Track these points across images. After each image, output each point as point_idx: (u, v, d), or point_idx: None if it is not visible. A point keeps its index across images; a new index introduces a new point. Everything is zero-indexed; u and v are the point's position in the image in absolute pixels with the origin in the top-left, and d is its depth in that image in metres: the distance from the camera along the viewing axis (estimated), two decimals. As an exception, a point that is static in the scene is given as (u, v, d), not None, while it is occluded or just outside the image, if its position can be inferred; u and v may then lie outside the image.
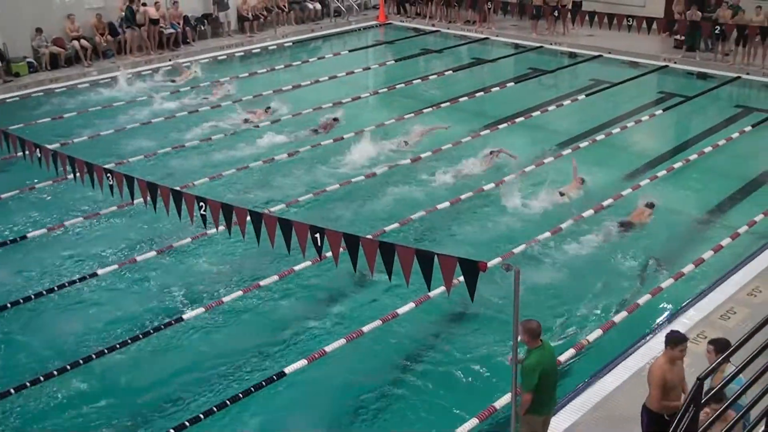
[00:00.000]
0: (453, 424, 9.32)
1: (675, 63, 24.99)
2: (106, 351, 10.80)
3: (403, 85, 23.26)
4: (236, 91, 22.39)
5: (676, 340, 8.04)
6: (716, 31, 23.95)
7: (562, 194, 15.40)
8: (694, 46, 25.24)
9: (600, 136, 18.83)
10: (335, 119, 19.78)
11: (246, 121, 20.02)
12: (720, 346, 7.92)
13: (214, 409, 9.61)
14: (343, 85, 23.21)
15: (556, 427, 8.86)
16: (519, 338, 7.96)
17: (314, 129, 19.28)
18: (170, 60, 25.33)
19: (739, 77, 23.46)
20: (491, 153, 17.24)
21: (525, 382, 7.94)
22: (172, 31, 26.37)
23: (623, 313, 11.57)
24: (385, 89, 22.86)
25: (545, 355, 8.04)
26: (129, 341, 11.04)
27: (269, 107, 20.70)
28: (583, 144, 18.31)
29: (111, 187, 11.27)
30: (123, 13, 25.27)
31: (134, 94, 22.20)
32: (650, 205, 14.59)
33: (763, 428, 7.25)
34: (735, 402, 6.89)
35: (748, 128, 19.24)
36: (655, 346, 10.35)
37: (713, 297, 11.74)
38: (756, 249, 13.26)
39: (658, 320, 11.45)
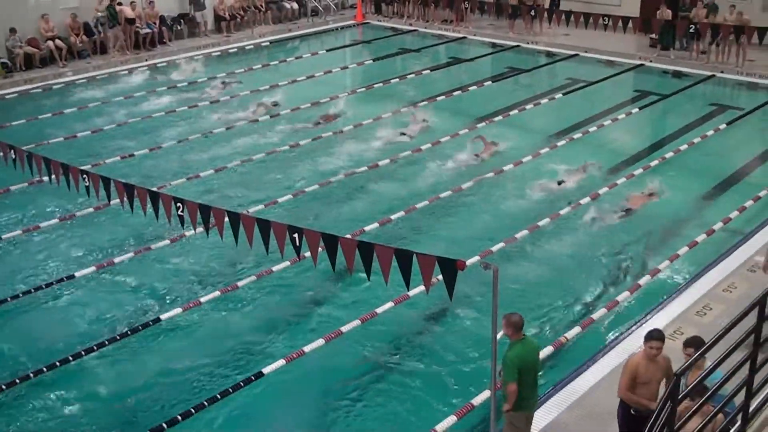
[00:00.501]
0: (432, 421, 9.32)
1: (650, 62, 25.17)
2: (83, 353, 10.71)
3: (381, 84, 23.26)
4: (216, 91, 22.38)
5: (647, 336, 8.09)
6: (691, 30, 24.14)
7: (560, 183, 15.85)
8: (669, 45, 25.44)
9: (577, 135, 18.93)
10: (334, 115, 20.24)
11: (254, 112, 20.47)
12: (696, 343, 7.99)
13: (192, 410, 9.56)
14: (321, 85, 23.17)
15: (536, 424, 8.89)
16: (501, 332, 8.00)
17: (295, 128, 19.30)
18: (146, 60, 25.17)
19: (713, 76, 23.66)
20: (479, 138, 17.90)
21: (506, 374, 7.97)
22: (148, 31, 26.20)
23: (602, 310, 11.63)
24: (363, 89, 22.84)
25: (527, 348, 8.07)
26: (106, 342, 10.95)
27: (276, 102, 21.23)
28: (561, 142, 18.39)
29: (87, 188, 11.19)
30: (99, 14, 25.04)
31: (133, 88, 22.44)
32: (651, 194, 15.27)
33: (739, 422, 7.34)
34: (713, 397, 6.97)
35: (723, 126, 19.41)
36: (632, 343, 10.44)
37: (689, 293, 11.83)
38: (731, 245, 13.38)
39: (635, 317, 11.52)
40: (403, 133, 18.90)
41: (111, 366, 10.70)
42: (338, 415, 9.88)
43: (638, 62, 25.23)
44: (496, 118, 20.18)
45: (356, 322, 11.31)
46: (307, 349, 10.69)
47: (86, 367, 10.64)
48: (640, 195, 15.37)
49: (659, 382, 8.06)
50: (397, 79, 23.75)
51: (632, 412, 8.06)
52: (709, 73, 23.76)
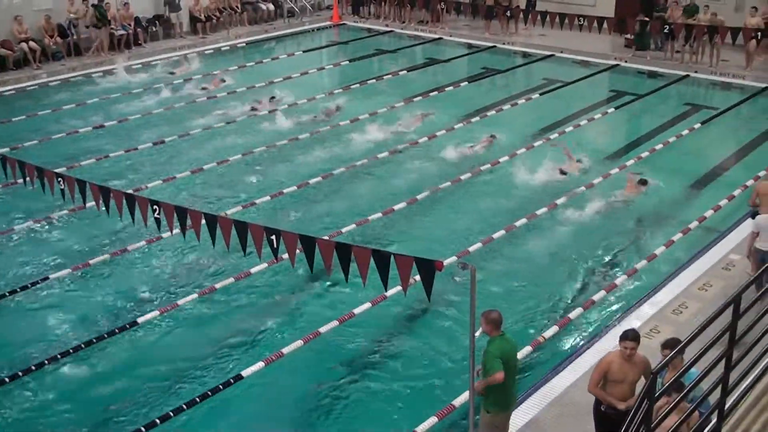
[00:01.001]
0: (413, 422, 9.32)
1: (626, 62, 25.35)
2: (59, 356, 10.63)
3: (357, 85, 23.25)
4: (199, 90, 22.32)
5: (622, 336, 8.11)
6: (665, 30, 24.32)
7: (563, 173, 16.45)
8: (644, 46, 25.63)
9: (553, 135, 19.02)
10: (337, 108, 20.77)
11: (253, 109, 20.78)
12: (672, 345, 8.06)
13: (171, 413, 9.51)
14: (298, 86, 23.11)
15: (514, 423, 8.93)
16: (480, 330, 8.02)
17: (274, 129, 19.28)
18: (122, 62, 25.02)
19: (687, 75, 23.87)
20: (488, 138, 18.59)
21: (490, 367, 7.94)
22: (123, 32, 26.01)
23: (578, 310, 11.70)
24: (340, 89, 22.82)
25: (506, 345, 8.10)
26: (82, 346, 10.86)
27: (273, 96, 21.60)
28: (537, 143, 18.47)
29: (62, 191, 11.11)
30: (72, 15, 24.83)
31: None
32: (643, 182, 15.92)
33: (715, 420, 7.40)
34: (689, 394, 7.03)
35: (697, 125, 19.59)
36: (609, 342, 10.50)
37: (665, 292, 11.92)
38: (706, 244, 13.50)
39: (612, 316, 11.60)
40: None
41: (88, 369, 10.61)
42: (318, 417, 9.86)
43: (614, 62, 25.41)
44: (474, 119, 20.23)
45: (334, 323, 11.29)
46: (285, 350, 10.67)
47: (62, 370, 10.55)
48: (632, 185, 15.90)
49: (634, 382, 8.05)
50: (374, 80, 23.74)
51: (602, 408, 8.11)
52: (684, 73, 23.97)
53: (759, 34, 22.59)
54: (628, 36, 26.06)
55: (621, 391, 8.02)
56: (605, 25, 24.89)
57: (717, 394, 7.34)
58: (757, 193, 12.16)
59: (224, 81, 23.26)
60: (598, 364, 8.23)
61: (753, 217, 11.74)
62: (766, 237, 11.14)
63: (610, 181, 16.27)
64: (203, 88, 22.68)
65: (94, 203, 10.96)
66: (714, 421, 7.41)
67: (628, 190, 15.76)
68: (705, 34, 23.43)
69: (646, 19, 25.22)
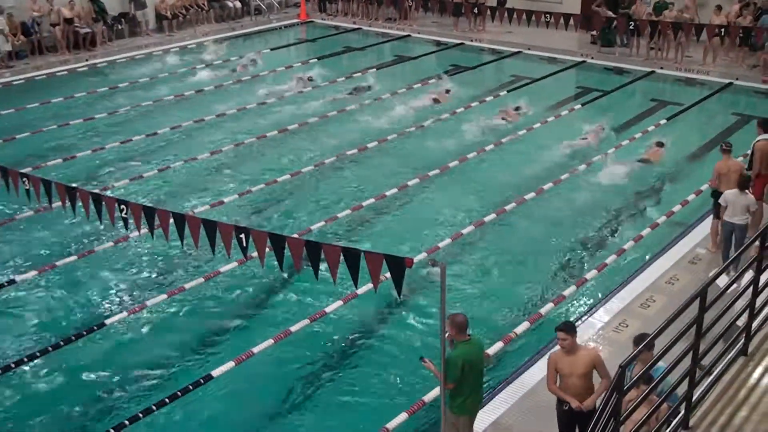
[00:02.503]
0: (383, 419, 9.32)
1: (592, 58, 25.54)
2: (25, 359, 10.50)
3: (327, 83, 23.18)
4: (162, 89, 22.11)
5: (555, 329, 8.23)
6: (631, 27, 24.54)
7: (583, 138, 18.12)
8: (610, 42, 25.86)
9: (521, 131, 19.10)
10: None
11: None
12: (639, 338, 8.15)
13: (140, 415, 9.42)
14: (265, 84, 23.01)
15: (485, 418, 8.98)
16: (446, 332, 8.03)
17: (241, 128, 19.18)
18: (87, 60, 24.75)
19: (653, 72, 24.10)
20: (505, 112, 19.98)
21: (448, 374, 7.98)
22: (88, 30, 25.73)
23: (549, 305, 11.77)
24: (309, 88, 22.73)
25: (471, 350, 8.06)
26: (50, 349, 10.73)
27: (311, 77, 23.02)
28: (506, 139, 18.55)
29: (27, 191, 10.97)
30: (35, 13, 24.50)
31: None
32: (660, 144, 17.59)
33: (683, 411, 7.49)
34: (657, 387, 7.10)
35: (663, 121, 19.77)
36: (578, 337, 10.56)
37: (633, 286, 12.05)
38: (673, 238, 13.66)
39: (581, 311, 11.69)
40: (436, 100, 21.33)
41: (55, 372, 10.50)
42: (289, 415, 9.85)
43: (580, 59, 25.59)
44: (443, 116, 20.26)
45: (305, 322, 11.27)
46: (256, 350, 10.62)
47: (30, 373, 10.42)
48: (652, 149, 17.54)
49: (582, 375, 8.05)
50: (343, 78, 23.69)
51: (564, 407, 8.16)
52: (649, 70, 24.21)
53: (722, 31, 22.90)
54: (594, 33, 26.28)
55: (572, 384, 8.06)
56: (571, 21, 25.08)
57: (685, 386, 7.42)
58: (717, 173, 12.91)
59: (255, 62, 24.77)
60: (547, 362, 8.31)
61: (714, 198, 12.85)
62: (733, 210, 11.92)
63: (574, 176, 16.37)
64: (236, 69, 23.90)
65: (60, 204, 10.81)
66: (682, 413, 7.49)
67: (651, 155, 17.31)
68: (669, 30, 23.71)
69: (613, 15, 25.43)
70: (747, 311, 8.45)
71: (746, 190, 11.94)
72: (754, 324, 8.67)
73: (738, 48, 23.70)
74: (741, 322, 8.50)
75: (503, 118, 19.84)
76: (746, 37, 23.11)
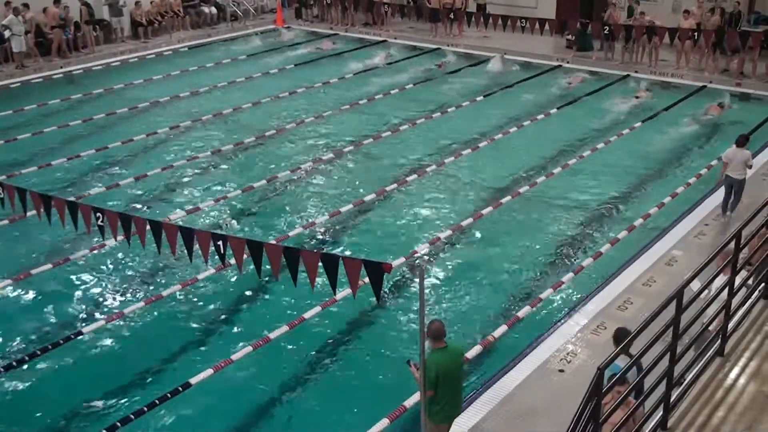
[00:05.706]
0: (365, 424, 9.30)
1: (568, 63, 25.71)
2: (2, 369, 10.38)
3: (303, 89, 23.16)
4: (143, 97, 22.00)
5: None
6: (605, 32, 24.75)
7: (637, 98, 20.74)
8: (585, 47, 26.05)
9: (498, 135, 19.17)
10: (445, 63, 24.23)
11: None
12: (617, 334, 8.18)
13: (118, 424, 9.35)
14: (242, 91, 22.96)
15: (464, 423, 8.97)
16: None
17: (216, 134, 19.11)
18: (61, 67, 24.56)
19: (628, 75, 24.28)
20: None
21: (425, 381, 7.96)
22: (63, 37, 25.51)
23: (527, 308, 11.81)
24: (286, 93, 22.71)
25: (445, 357, 8.00)
26: (26, 358, 10.63)
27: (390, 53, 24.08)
28: (482, 144, 18.61)
29: (2, 200, 10.88)
30: (4, 21, 24.31)
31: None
32: (721, 105, 20.80)
33: (661, 413, 7.53)
34: (634, 389, 7.14)
35: (638, 124, 19.93)
36: (556, 340, 10.66)
37: (611, 288, 12.10)
38: (649, 240, 13.74)
39: (559, 314, 11.74)
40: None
41: (32, 381, 10.40)
42: (268, 422, 9.81)
43: (556, 63, 25.74)
44: (419, 121, 20.30)
45: (284, 328, 11.23)
46: (235, 357, 10.58)
47: (6, 383, 10.31)
48: (715, 106, 20.71)
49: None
50: (320, 84, 23.68)
51: None
52: (624, 73, 24.39)
53: (696, 35, 23.18)
54: (569, 37, 26.46)
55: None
56: (547, 26, 25.25)
57: (663, 387, 7.47)
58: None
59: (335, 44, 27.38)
60: None
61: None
62: (733, 166, 13.76)
63: (549, 181, 16.46)
64: None
65: (35, 212, 10.72)
66: (660, 413, 7.54)
67: (714, 110, 20.41)
68: (643, 34, 23.95)
69: (586, 21, 25.62)
70: (723, 312, 8.51)
71: (743, 147, 13.71)
72: (730, 325, 8.75)
73: (708, 52, 23.97)
74: (716, 323, 8.57)
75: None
76: (719, 41, 23.41)
